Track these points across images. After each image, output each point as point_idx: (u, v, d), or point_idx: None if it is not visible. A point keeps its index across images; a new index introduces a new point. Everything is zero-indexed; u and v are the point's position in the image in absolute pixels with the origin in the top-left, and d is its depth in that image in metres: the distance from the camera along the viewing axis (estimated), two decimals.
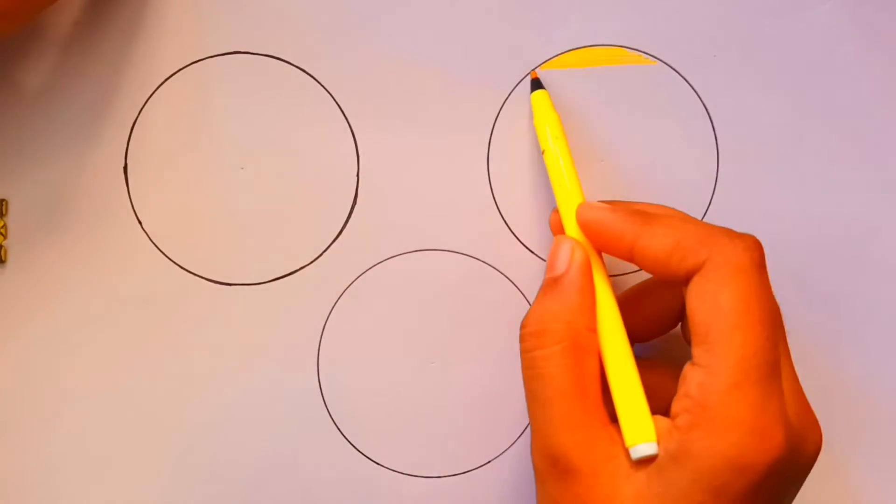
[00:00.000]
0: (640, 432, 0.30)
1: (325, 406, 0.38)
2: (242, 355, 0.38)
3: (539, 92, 0.37)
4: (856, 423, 0.38)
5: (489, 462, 0.38)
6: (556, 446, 0.30)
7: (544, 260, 0.38)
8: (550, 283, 0.32)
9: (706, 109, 0.38)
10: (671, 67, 0.38)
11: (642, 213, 0.32)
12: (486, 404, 0.38)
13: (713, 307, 0.30)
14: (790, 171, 0.38)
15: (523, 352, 0.32)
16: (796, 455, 0.30)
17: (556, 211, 0.35)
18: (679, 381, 0.30)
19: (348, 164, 0.38)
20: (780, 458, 0.29)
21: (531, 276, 0.38)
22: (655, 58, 0.38)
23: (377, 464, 0.38)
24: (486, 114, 0.38)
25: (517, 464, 0.38)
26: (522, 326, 0.32)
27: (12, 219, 0.38)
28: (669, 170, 0.38)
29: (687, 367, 0.30)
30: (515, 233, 0.38)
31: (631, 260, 0.32)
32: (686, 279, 0.31)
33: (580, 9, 0.38)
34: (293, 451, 0.38)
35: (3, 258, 0.38)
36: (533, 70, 0.38)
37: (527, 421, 0.38)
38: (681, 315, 0.35)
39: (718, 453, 0.28)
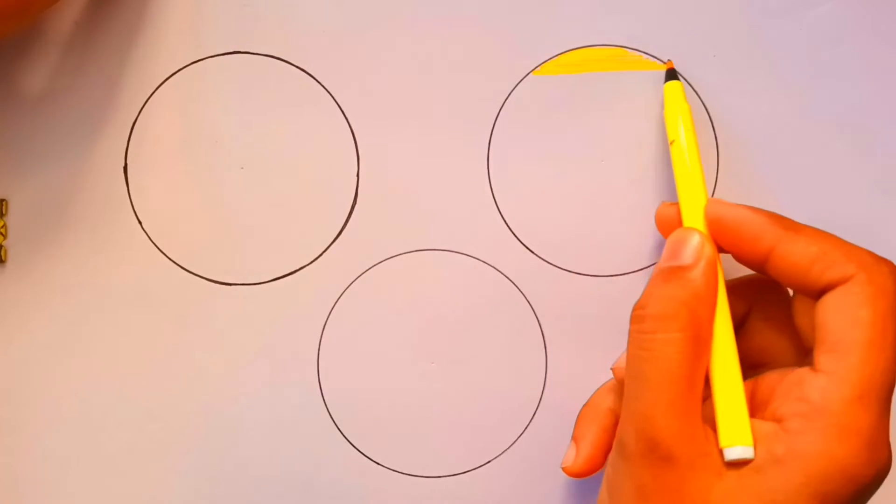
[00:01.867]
0: (738, 434, 0.31)
1: (325, 406, 0.38)
2: (242, 355, 0.38)
3: (673, 82, 0.37)
4: None
5: (489, 462, 0.38)
6: (660, 430, 0.30)
7: (544, 260, 0.38)
8: (673, 272, 0.32)
9: (706, 109, 0.38)
10: None
11: (785, 218, 0.32)
12: (486, 404, 0.38)
13: (852, 320, 0.30)
14: (790, 171, 0.38)
15: (639, 332, 0.32)
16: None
17: (666, 204, 0.35)
18: (789, 385, 0.31)
19: (348, 164, 0.38)
20: (883, 472, 0.30)
21: (531, 276, 0.38)
22: (655, 58, 0.38)
23: (377, 464, 0.38)
24: (486, 114, 0.38)
25: (517, 464, 0.38)
26: (640, 307, 0.32)
27: (12, 219, 0.38)
28: (669, 170, 0.38)
29: (805, 373, 0.31)
30: (515, 233, 0.38)
31: (760, 263, 0.32)
32: (823, 290, 0.31)
33: (580, 9, 0.38)
34: (293, 450, 0.38)
35: (3, 258, 0.38)
36: (669, 60, 0.38)
37: (527, 421, 0.38)
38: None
39: (835, 460, 0.29)
